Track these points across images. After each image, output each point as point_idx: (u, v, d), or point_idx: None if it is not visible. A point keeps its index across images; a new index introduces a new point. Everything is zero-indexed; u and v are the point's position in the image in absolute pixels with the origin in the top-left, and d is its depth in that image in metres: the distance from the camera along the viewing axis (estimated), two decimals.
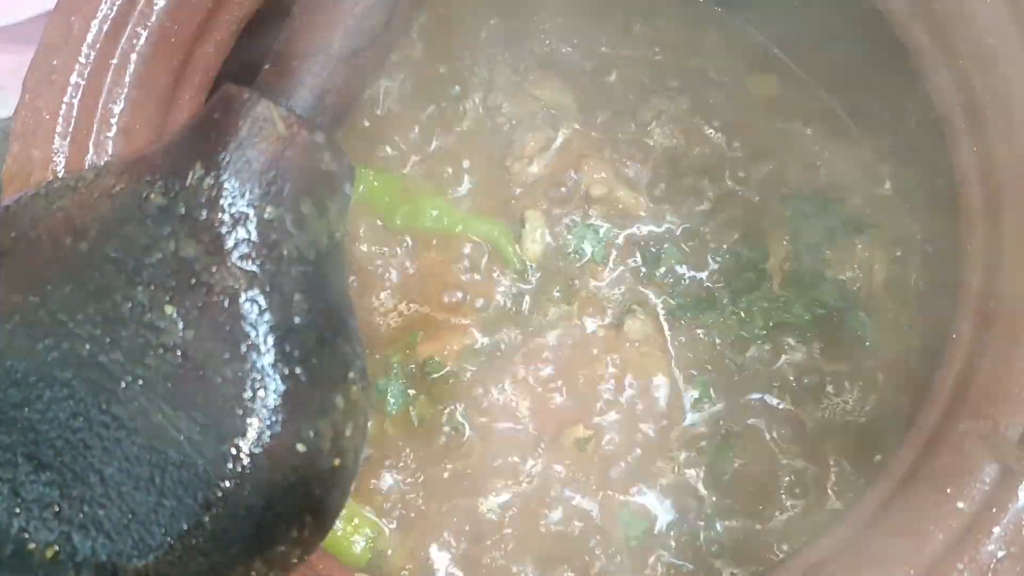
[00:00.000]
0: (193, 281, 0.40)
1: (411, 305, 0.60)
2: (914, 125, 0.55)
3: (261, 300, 0.40)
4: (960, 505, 0.42)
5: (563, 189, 0.61)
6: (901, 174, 0.60)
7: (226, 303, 0.40)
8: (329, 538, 0.53)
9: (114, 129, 0.46)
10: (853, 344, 0.59)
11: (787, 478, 0.57)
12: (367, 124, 0.63)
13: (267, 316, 0.40)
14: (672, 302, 0.60)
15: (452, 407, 0.58)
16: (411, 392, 0.58)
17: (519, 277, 0.60)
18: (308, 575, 0.47)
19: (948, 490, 0.43)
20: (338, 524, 0.54)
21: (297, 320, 0.41)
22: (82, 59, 0.45)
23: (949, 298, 0.47)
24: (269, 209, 0.41)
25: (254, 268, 0.40)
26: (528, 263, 0.60)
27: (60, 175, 0.45)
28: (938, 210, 0.51)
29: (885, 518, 0.44)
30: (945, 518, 0.42)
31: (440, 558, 0.57)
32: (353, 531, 0.56)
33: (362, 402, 0.43)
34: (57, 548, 0.39)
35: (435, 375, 0.59)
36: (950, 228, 0.48)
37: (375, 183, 0.61)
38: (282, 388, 0.40)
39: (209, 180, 0.41)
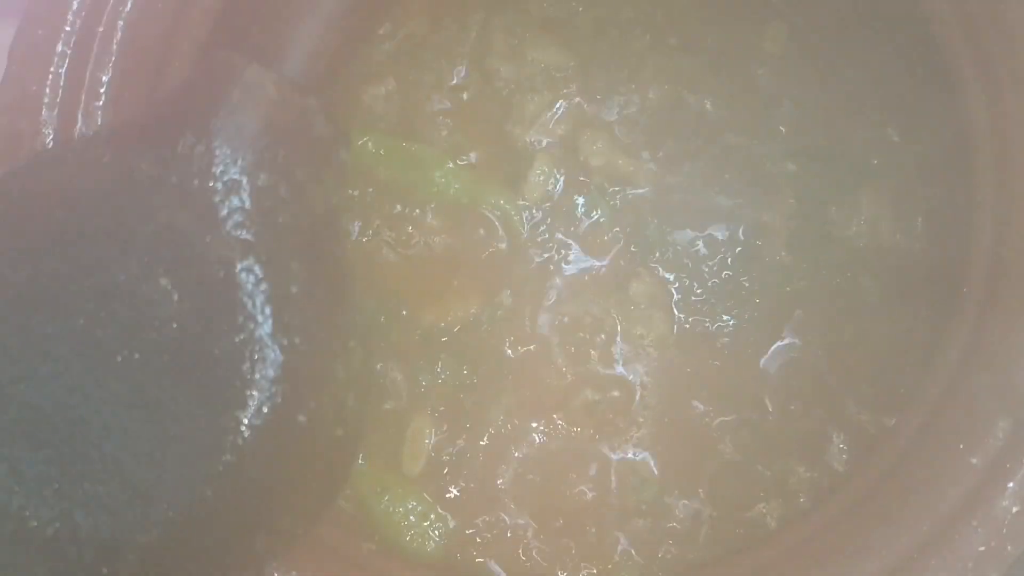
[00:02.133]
0: (187, 252, 0.39)
1: (414, 271, 0.60)
2: (922, 77, 0.54)
3: (257, 269, 0.39)
4: (973, 461, 0.42)
5: (563, 155, 0.60)
6: (908, 125, 0.59)
7: (221, 273, 0.39)
8: (396, 536, 0.53)
9: (103, 99, 0.45)
10: (860, 305, 0.58)
11: (795, 441, 0.57)
12: (363, 92, 0.62)
13: (264, 286, 0.39)
14: (675, 267, 0.59)
15: (456, 373, 0.58)
16: (420, 364, 0.58)
17: (523, 242, 0.60)
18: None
19: (961, 446, 0.42)
20: (411, 519, 0.54)
21: (294, 289, 0.40)
22: (68, 27, 0.44)
23: (959, 250, 0.46)
24: (263, 176, 0.40)
25: (249, 237, 0.40)
26: (531, 206, 0.60)
27: (49, 147, 0.44)
28: (946, 161, 0.50)
29: (897, 476, 0.44)
30: (958, 474, 0.42)
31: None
32: (426, 529, 0.54)
33: (363, 371, 0.42)
34: (58, 525, 0.39)
35: (439, 341, 0.58)
36: (959, 179, 0.47)
37: (380, 151, 0.60)
38: (281, 359, 0.39)
39: (200, 148, 0.40)
